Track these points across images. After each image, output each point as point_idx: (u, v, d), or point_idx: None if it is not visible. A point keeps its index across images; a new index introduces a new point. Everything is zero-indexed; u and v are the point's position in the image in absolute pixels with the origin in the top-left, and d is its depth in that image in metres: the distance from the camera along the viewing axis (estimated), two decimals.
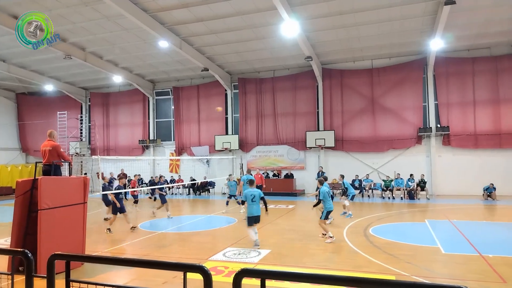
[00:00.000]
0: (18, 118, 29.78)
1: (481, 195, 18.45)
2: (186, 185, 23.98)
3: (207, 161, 24.69)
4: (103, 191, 12.62)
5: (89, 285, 3.03)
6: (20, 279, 3.25)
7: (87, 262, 6.96)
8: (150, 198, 17.73)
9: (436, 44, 17.54)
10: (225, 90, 24.52)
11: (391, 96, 21.28)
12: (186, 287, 2.76)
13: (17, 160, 29.00)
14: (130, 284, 6.46)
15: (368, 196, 20.36)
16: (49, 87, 25.83)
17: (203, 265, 2.65)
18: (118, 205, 11.33)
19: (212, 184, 23.94)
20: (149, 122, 26.77)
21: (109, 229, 11.27)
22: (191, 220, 14.01)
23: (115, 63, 22.63)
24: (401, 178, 19.38)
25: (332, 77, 22.25)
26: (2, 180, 25.98)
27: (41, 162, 8.03)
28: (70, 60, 20.42)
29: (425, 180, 19.34)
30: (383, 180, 19.95)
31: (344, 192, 14.07)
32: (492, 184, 18.05)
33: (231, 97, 24.73)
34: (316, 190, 11.14)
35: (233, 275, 2.56)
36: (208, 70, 21.80)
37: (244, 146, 24.01)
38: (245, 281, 2.50)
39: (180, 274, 3.43)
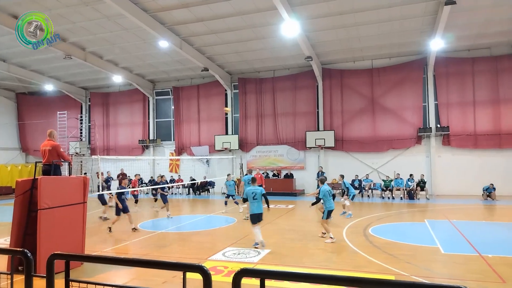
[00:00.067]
0: (18, 117, 29.79)
1: (480, 195, 18.46)
2: (186, 185, 23.98)
3: (207, 161, 24.69)
4: (99, 190, 12.66)
5: (88, 284, 3.03)
6: (19, 279, 3.26)
7: (86, 261, 6.98)
8: (155, 199, 17.59)
9: (436, 44, 17.54)
10: (225, 90, 24.52)
11: (391, 96, 21.28)
12: (185, 287, 2.76)
13: (17, 160, 29.00)
14: (130, 283, 6.46)
15: (368, 196, 20.36)
16: (49, 87, 25.84)
17: (203, 265, 2.66)
18: (120, 206, 11.28)
19: (212, 184, 23.95)
20: (149, 122, 26.77)
21: (109, 228, 11.28)
22: (190, 220, 14.02)
23: (115, 63, 22.63)
24: (401, 178, 19.38)
25: (332, 77, 22.26)
26: (1, 180, 25.97)
27: (41, 162, 8.02)
28: (70, 60, 20.42)
29: (425, 180, 19.34)
30: (383, 180, 19.96)
31: (345, 193, 14.08)
32: (492, 184, 18.06)
33: (231, 97, 24.73)
34: (317, 189, 11.15)
35: (232, 275, 2.56)
36: (208, 70, 21.81)
37: (244, 146, 24.01)
38: (245, 281, 2.50)
39: (179, 273, 3.44)
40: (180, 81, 25.92)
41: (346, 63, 22.09)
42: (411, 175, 19.34)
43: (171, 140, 26.28)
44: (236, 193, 16.12)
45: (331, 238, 9.48)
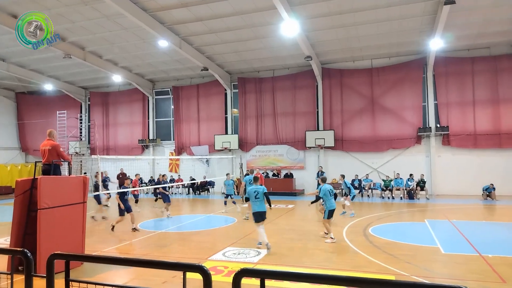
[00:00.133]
0: (17, 117, 29.77)
1: (480, 195, 18.47)
2: (185, 185, 23.98)
3: (207, 161, 24.68)
4: (95, 189, 12.65)
5: (88, 284, 3.03)
6: (19, 279, 3.25)
7: (86, 261, 6.97)
8: (156, 199, 17.57)
9: (436, 44, 17.54)
10: (225, 90, 24.51)
11: (390, 96, 21.28)
12: (185, 287, 2.76)
13: (17, 160, 28.99)
14: (130, 283, 6.47)
15: (368, 196, 20.37)
16: (48, 87, 25.82)
17: (203, 264, 2.66)
18: (122, 206, 11.26)
19: (211, 183, 23.94)
20: (148, 121, 26.76)
21: (113, 227, 11.28)
22: (190, 219, 14.01)
23: (114, 63, 22.62)
24: (401, 178, 19.39)
25: (332, 76, 22.26)
26: (1, 180, 25.97)
27: (41, 161, 8.02)
28: (69, 60, 20.40)
29: (425, 180, 19.35)
30: (383, 180, 19.97)
31: (345, 193, 14.06)
32: (492, 184, 18.06)
33: (231, 97, 24.72)
34: (317, 188, 11.14)
35: (232, 275, 2.56)
36: (207, 69, 21.79)
37: (243, 145, 24.00)
38: (245, 280, 2.50)
39: (179, 273, 3.43)
40: (179, 81, 25.91)
41: (345, 63, 22.09)
42: (411, 175, 19.35)
43: (170, 140, 26.27)
44: (235, 192, 16.11)
45: (332, 238, 9.48)
